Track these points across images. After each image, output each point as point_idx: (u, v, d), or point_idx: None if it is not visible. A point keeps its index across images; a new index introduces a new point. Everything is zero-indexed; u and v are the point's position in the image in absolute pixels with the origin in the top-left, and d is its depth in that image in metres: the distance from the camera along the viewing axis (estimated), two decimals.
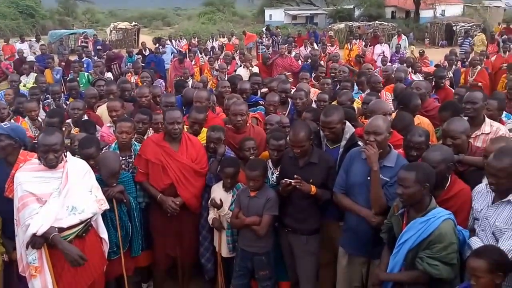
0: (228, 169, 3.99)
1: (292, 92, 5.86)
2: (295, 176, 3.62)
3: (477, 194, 3.20)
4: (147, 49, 14.09)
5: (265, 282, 3.97)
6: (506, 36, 16.16)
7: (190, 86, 7.54)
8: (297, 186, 3.60)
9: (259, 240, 3.84)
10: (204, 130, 4.51)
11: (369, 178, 3.39)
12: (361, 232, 3.51)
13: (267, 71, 10.82)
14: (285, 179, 3.66)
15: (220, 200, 4.01)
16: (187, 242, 4.33)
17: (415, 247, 2.96)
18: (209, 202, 4.09)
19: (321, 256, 4.07)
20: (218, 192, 4.11)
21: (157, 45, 14.81)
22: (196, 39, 21.02)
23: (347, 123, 3.91)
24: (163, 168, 4.07)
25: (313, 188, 3.66)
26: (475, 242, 3.02)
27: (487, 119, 4.29)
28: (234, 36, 20.70)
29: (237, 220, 3.89)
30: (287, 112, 5.70)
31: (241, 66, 10.80)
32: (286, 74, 9.82)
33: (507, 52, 11.86)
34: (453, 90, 6.81)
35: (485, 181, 3.16)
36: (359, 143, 3.76)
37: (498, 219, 2.95)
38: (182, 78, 9.47)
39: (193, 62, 13.04)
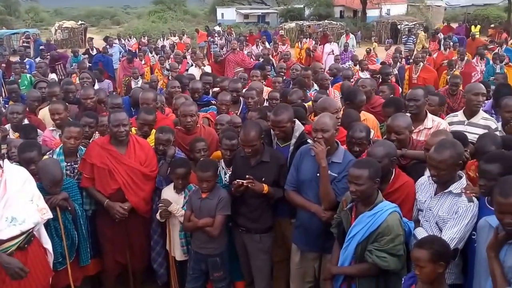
0: (179, 170, 3.93)
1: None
2: (247, 176, 3.62)
3: (420, 186, 3.32)
4: (94, 49, 13.67)
5: (220, 283, 3.95)
6: (451, 34, 16.93)
7: (139, 86, 7.39)
8: (250, 186, 3.59)
9: (212, 241, 3.81)
10: (154, 132, 4.41)
11: (318, 174, 3.44)
12: (312, 228, 3.55)
13: (220, 70, 10.78)
14: (237, 180, 3.64)
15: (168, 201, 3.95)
16: (137, 248, 4.23)
17: (364, 240, 3.03)
18: (159, 203, 4.01)
19: (275, 254, 4.10)
20: (169, 194, 4.04)
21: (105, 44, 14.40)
22: (146, 38, 20.63)
23: (297, 121, 3.95)
24: (110, 172, 3.95)
25: (265, 187, 3.67)
26: (420, 233, 3.12)
27: (429, 115, 4.45)
28: (185, 35, 20.44)
29: (189, 223, 3.83)
30: (239, 111, 5.69)
31: (192, 65, 10.70)
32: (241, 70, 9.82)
33: (448, 49, 12.42)
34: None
35: (427, 173, 3.28)
36: (309, 140, 3.81)
37: (440, 209, 3.08)
38: (131, 78, 9.26)
39: (143, 62, 12.79)
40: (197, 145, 4.16)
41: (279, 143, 3.98)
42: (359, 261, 3.08)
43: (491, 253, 2.56)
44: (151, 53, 14.17)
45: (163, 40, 19.29)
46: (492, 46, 14.12)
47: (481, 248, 2.72)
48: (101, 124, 4.62)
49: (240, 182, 3.61)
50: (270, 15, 39.26)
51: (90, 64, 10.97)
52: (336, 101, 4.43)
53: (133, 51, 15.80)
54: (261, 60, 10.58)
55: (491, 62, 10.48)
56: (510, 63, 10.53)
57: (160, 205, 3.97)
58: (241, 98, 5.77)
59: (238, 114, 5.47)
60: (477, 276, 2.81)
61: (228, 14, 39.10)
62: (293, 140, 3.86)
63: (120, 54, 13.89)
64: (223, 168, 4.12)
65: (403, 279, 2.91)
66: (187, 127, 4.46)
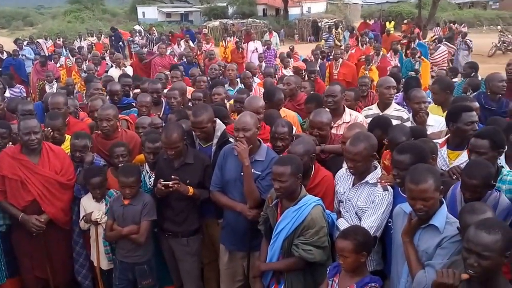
0: (93, 179, 3.77)
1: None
2: (173, 177, 3.54)
3: (339, 178, 3.44)
4: (5, 52, 12.75)
5: None
6: (367, 30, 17.76)
7: (55, 90, 6.99)
8: (175, 187, 3.52)
9: (138, 248, 3.70)
10: (69, 138, 4.18)
11: (242, 173, 3.44)
12: (239, 227, 3.55)
13: (145, 69, 10.50)
14: (161, 181, 3.55)
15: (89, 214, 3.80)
16: (58, 261, 4.01)
17: (291, 234, 3.08)
18: (80, 221, 3.86)
19: (204, 256, 4.07)
20: (88, 203, 3.87)
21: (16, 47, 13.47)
22: (61, 39, 19.58)
23: (218, 120, 3.94)
24: (23, 183, 3.72)
25: (191, 189, 3.62)
26: (342, 224, 3.24)
27: (346, 109, 4.63)
28: (103, 35, 19.65)
29: (113, 233, 3.69)
30: (162, 112, 5.56)
31: (112, 66, 10.31)
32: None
33: (364, 45, 13.02)
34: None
35: (345, 165, 3.40)
36: (231, 139, 3.81)
37: (359, 200, 3.20)
38: (46, 82, 8.74)
39: (58, 64, 12.14)
40: (116, 150, 3.99)
41: (201, 144, 3.95)
42: (287, 256, 3.12)
43: (405, 238, 2.70)
44: (70, 54, 13.47)
45: (80, 41, 18.41)
46: (405, 41, 15.03)
47: (397, 234, 2.85)
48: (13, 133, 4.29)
49: (165, 184, 3.52)
50: (193, 14, 38.82)
51: (0, 69, 10.20)
52: (260, 100, 4.46)
53: (50, 53, 14.94)
54: (184, 60, 10.43)
55: (404, 57, 11.10)
56: (422, 57, 11.27)
57: (81, 221, 3.80)
58: (163, 99, 5.64)
59: (160, 115, 5.35)
60: (394, 261, 2.95)
61: (149, 12, 38.08)
62: (215, 140, 3.85)
63: (33, 56, 13.05)
64: (147, 172, 4.01)
65: (328, 269, 3.00)
66: (104, 132, 4.28)
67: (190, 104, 5.69)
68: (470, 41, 14.31)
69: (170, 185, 3.51)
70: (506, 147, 3.24)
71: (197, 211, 3.86)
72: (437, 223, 2.61)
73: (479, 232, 2.14)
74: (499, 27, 24.45)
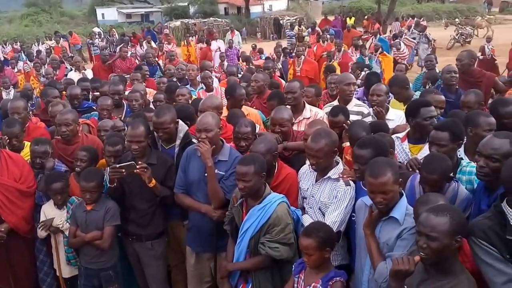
0: (54, 185, 3.68)
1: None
2: (140, 162, 3.49)
3: (302, 175, 3.48)
4: None
5: None
6: (327, 26, 17.98)
7: (11, 97, 6.75)
8: (140, 172, 3.47)
9: (103, 254, 3.64)
10: (28, 144, 4.07)
11: (206, 174, 3.43)
12: (204, 228, 3.54)
13: (107, 71, 10.28)
14: (117, 165, 3.49)
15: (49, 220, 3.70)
16: (21, 271, 3.92)
17: (257, 233, 3.08)
18: (39, 226, 3.75)
19: (170, 258, 4.04)
20: (49, 211, 3.77)
21: None
22: (19, 43, 18.92)
23: (180, 121, 3.91)
24: None
25: (153, 181, 3.57)
26: (307, 220, 3.27)
27: (307, 105, 4.68)
28: (62, 38, 19.11)
29: (76, 239, 3.62)
30: (123, 115, 5.47)
31: (72, 70, 10.06)
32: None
33: (326, 42, 13.19)
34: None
35: (308, 162, 3.44)
36: (194, 140, 3.79)
37: (322, 195, 3.25)
38: (2, 88, 8.41)
39: (16, 69, 11.73)
40: (78, 154, 3.91)
41: (164, 145, 3.92)
42: (253, 255, 3.13)
43: (367, 231, 2.76)
44: (26, 59, 13.02)
45: (38, 45, 17.85)
46: (366, 36, 15.32)
47: (359, 227, 2.90)
48: None
49: (124, 165, 3.47)
50: (154, 14, 38.25)
51: None
52: (219, 99, 4.45)
53: (9, 58, 14.41)
54: (144, 61, 10.27)
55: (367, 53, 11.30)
56: (384, 52, 11.52)
57: (40, 226, 3.70)
58: (124, 102, 5.55)
59: (122, 118, 5.26)
60: (358, 254, 3.00)
61: (109, 14, 37.27)
62: (178, 141, 3.82)
63: None
64: (109, 176, 3.93)
65: (293, 266, 3.03)
66: (63, 137, 4.18)
67: (152, 106, 5.64)
68: (429, 34, 14.79)
69: (138, 168, 3.45)
70: (465, 139, 3.33)
71: (161, 213, 3.82)
72: (397, 215, 2.67)
73: (428, 215, 2.24)
74: (457, 20, 25.26)
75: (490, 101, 5.01)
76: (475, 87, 4.87)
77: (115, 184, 3.59)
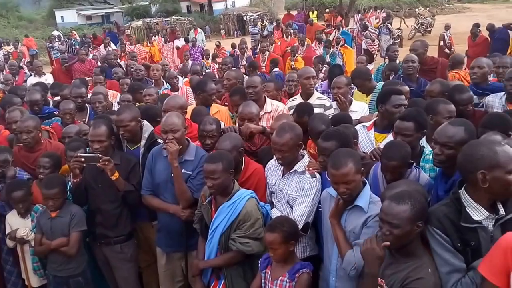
0: (14, 193, 3.59)
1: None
2: (104, 157, 3.46)
3: (269, 169, 3.51)
4: None
5: None
6: (290, 21, 18.09)
7: None
8: (103, 165, 3.45)
9: (71, 261, 3.58)
10: None
11: (173, 174, 3.41)
12: (174, 229, 3.53)
13: (68, 75, 10.04)
14: (79, 153, 3.47)
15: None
16: None
17: (227, 230, 3.09)
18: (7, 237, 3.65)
19: (142, 259, 4.02)
20: (13, 220, 3.68)
21: None
22: None
23: (145, 122, 3.88)
24: None
25: (116, 173, 3.54)
26: (276, 214, 3.29)
27: (268, 99, 4.71)
28: (20, 43, 18.51)
29: (41, 247, 3.55)
30: (87, 118, 5.37)
31: (31, 75, 9.78)
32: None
33: (289, 36, 13.28)
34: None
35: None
36: (159, 140, 3.76)
37: (289, 189, 3.29)
38: None
39: None
40: (40, 160, 3.83)
41: (129, 147, 3.89)
42: (224, 251, 3.14)
43: (333, 221, 2.82)
44: None
45: None
46: (329, 30, 15.51)
47: (326, 217, 2.95)
48: None
49: (85, 155, 3.46)
50: (115, 14, 37.56)
51: None
52: (183, 99, 4.42)
53: None
54: (105, 63, 10.09)
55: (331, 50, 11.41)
56: (345, 45, 11.71)
57: (7, 239, 3.61)
58: (87, 105, 5.44)
59: (86, 121, 5.16)
60: (325, 244, 3.05)
61: (68, 16, 36.36)
62: (143, 142, 3.79)
63: None
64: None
65: (259, 262, 3.06)
66: (25, 145, 4.09)
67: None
68: (390, 24, 15.10)
69: (100, 161, 3.43)
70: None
71: (128, 214, 3.79)
72: (362, 203, 2.73)
73: (390, 203, 2.32)
74: (417, 10, 25.88)
75: None
76: (431, 74, 5.01)
77: (78, 179, 3.56)
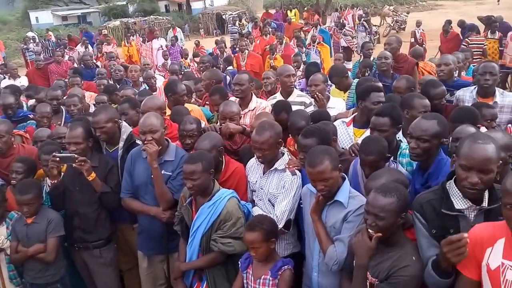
0: None
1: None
2: (77, 156, 3.40)
3: (250, 168, 3.50)
4: None
5: None
6: (269, 20, 18.10)
7: None
8: (78, 165, 3.39)
9: (49, 268, 3.50)
10: None
11: (152, 176, 3.37)
12: (155, 231, 3.49)
13: (44, 77, 9.83)
14: (55, 154, 3.43)
15: None
16: None
17: (208, 230, 3.07)
18: None
19: (122, 263, 3.96)
20: None
21: None
22: None
23: (124, 123, 3.83)
24: None
25: (93, 174, 3.49)
26: (257, 212, 3.28)
27: (253, 97, 4.69)
28: None
29: (18, 255, 3.46)
30: (62, 121, 5.26)
31: (5, 78, 9.55)
32: None
33: (268, 35, 13.27)
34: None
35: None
36: (138, 142, 3.71)
37: (270, 187, 3.28)
38: None
39: None
40: (12, 166, 3.73)
41: (108, 148, 3.83)
42: (206, 252, 3.11)
43: (314, 217, 2.82)
44: None
45: None
46: (307, 28, 15.57)
47: (307, 213, 2.96)
48: None
49: (61, 156, 3.42)
50: (92, 15, 37.05)
51: None
52: (160, 99, 4.36)
53: None
54: (81, 64, 9.91)
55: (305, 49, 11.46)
56: (322, 43, 11.77)
57: None
58: (62, 107, 5.33)
59: (61, 124, 5.06)
60: (307, 240, 3.05)
61: (43, 17, 35.64)
62: (121, 143, 3.73)
63: None
64: (49, 186, 3.77)
65: (239, 262, 3.04)
66: None
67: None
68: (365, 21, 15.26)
69: (76, 162, 3.37)
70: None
71: (107, 217, 3.73)
72: (341, 198, 2.75)
73: (376, 196, 2.36)
74: (392, 7, 26.20)
75: None
76: (397, 72, 5.09)
77: (56, 181, 3.50)
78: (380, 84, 4.33)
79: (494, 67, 4.28)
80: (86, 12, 37.29)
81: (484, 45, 9.65)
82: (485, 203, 2.24)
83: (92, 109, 5.55)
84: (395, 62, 5.82)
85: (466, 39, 10.00)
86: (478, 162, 2.14)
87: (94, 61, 10.59)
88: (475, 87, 4.38)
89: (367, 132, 3.60)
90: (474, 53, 9.28)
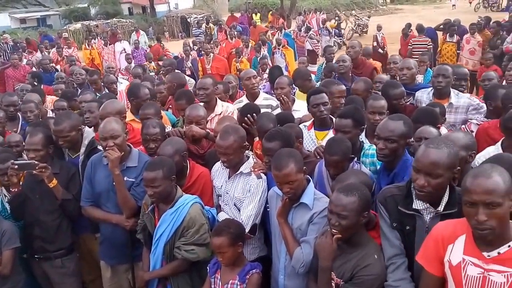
0: None
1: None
2: (37, 163, 3.30)
3: (215, 173, 3.46)
4: None
5: None
6: (234, 23, 18.09)
7: None
8: (39, 172, 3.29)
9: (6, 281, 3.35)
10: None
11: (114, 183, 3.27)
12: (118, 240, 3.39)
13: (0, 81, 9.47)
14: (13, 162, 3.33)
15: None
16: None
17: (171, 238, 3.01)
18: None
19: (85, 274, 3.85)
20: None
21: None
22: None
23: (86, 128, 3.74)
24: None
25: (54, 180, 3.39)
26: (223, 217, 3.23)
27: (218, 101, 4.66)
28: None
29: None
30: (19, 128, 5.07)
31: None
32: None
33: (234, 38, 13.27)
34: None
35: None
36: (99, 147, 3.60)
37: (236, 191, 3.24)
38: None
39: None
40: None
41: (71, 154, 3.75)
42: (170, 260, 3.05)
43: (280, 219, 2.82)
44: None
45: None
46: (272, 32, 15.65)
47: (273, 216, 2.95)
48: None
49: (20, 163, 3.31)
50: (52, 17, 36.03)
51: None
52: (120, 103, 4.25)
53: None
54: (41, 68, 9.61)
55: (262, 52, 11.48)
56: (286, 46, 11.86)
57: None
58: (19, 114, 5.13)
59: (18, 131, 4.87)
60: (274, 243, 3.04)
61: (0, 20, 34.44)
62: (83, 149, 3.63)
63: None
64: (5, 196, 3.62)
65: (208, 267, 2.99)
66: None
67: (53, 114, 5.29)
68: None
69: (36, 169, 3.28)
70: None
71: (69, 226, 3.63)
72: (307, 200, 2.76)
73: (339, 195, 2.40)
74: (353, 12, 26.72)
75: None
76: (357, 76, 5.18)
77: (16, 189, 3.40)
78: (341, 86, 4.39)
79: (447, 69, 4.40)
80: (46, 15, 36.20)
81: (428, 45, 10.09)
82: (440, 208, 2.29)
83: (50, 114, 5.37)
84: (354, 67, 5.90)
85: (411, 40, 10.51)
86: (426, 165, 2.20)
87: (54, 65, 10.27)
88: (431, 89, 4.50)
89: (330, 133, 3.68)
90: (414, 53, 9.76)
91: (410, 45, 10.42)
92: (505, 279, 1.91)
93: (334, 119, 3.80)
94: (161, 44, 14.73)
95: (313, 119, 3.95)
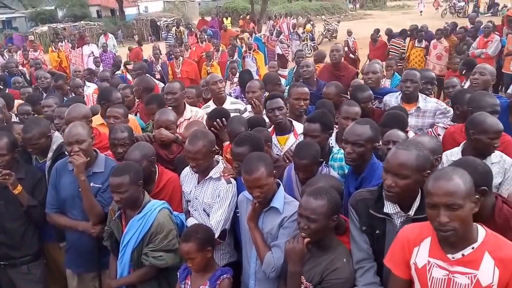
0: None
1: None
2: (1, 170, 3.22)
3: (184, 178, 3.42)
4: None
5: None
6: (205, 27, 18.02)
7: None
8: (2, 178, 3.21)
9: None
10: None
11: (80, 189, 3.20)
12: (84, 247, 3.31)
13: None
14: None
15: None
16: None
17: (139, 244, 2.96)
18: None
19: (51, 283, 3.74)
20: None
21: None
22: None
23: (56, 133, 3.66)
24: None
25: (19, 187, 3.30)
26: (192, 223, 3.20)
27: (187, 106, 4.62)
28: None
29: None
30: None
31: None
32: None
33: (204, 42, 13.22)
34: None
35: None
36: (66, 153, 3.51)
37: (205, 196, 3.21)
38: None
39: None
40: None
41: (38, 159, 3.67)
42: (138, 267, 3.00)
43: (251, 224, 2.81)
44: None
45: None
46: (242, 36, 15.69)
47: (243, 221, 2.94)
48: None
49: None
50: (18, 20, 35.10)
51: None
52: (85, 107, 4.15)
53: None
54: (5, 71, 9.31)
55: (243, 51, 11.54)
56: (257, 50, 11.89)
57: None
58: None
59: None
60: (244, 248, 3.03)
61: None
62: (50, 154, 3.55)
63: None
64: None
65: (178, 273, 2.95)
66: None
67: (17, 119, 5.12)
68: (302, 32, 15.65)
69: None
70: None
71: (35, 232, 3.55)
72: (277, 204, 2.76)
73: (308, 198, 2.42)
74: (323, 16, 27.07)
75: None
76: (338, 80, 5.24)
77: None
78: (304, 89, 4.40)
79: (415, 74, 4.50)
80: (11, 17, 35.26)
81: (402, 48, 10.39)
82: (411, 212, 2.33)
83: (14, 119, 5.21)
84: (336, 70, 5.95)
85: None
86: (393, 166, 2.26)
87: (20, 68, 9.98)
88: (400, 93, 4.59)
89: (291, 137, 3.74)
90: (391, 53, 10.08)
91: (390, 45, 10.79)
92: (469, 281, 1.95)
93: (293, 122, 3.89)
94: (130, 47, 14.54)
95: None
